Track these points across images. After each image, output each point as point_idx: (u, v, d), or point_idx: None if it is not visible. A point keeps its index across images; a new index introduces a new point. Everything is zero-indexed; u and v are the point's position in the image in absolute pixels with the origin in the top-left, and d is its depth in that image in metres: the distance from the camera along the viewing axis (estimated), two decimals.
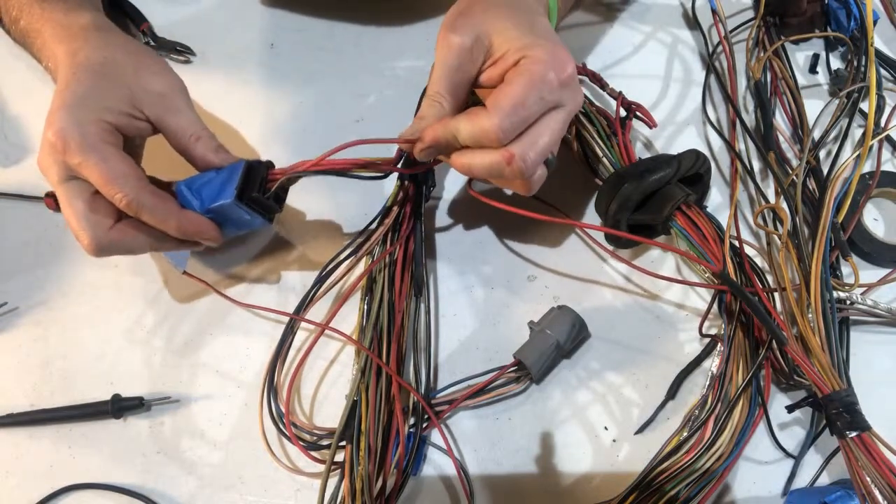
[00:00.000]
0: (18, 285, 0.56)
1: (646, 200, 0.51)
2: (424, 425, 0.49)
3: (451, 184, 0.59)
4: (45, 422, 0.51)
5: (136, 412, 0.51)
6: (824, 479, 0.49)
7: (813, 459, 0.49)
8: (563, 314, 0.51)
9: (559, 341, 0.50)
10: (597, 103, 0.58)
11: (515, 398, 0.51)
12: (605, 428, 0.51)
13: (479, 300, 0.55)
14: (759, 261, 0.54)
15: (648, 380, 0.52)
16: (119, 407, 0.51)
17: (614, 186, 0.51)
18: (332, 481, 0.47)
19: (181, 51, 0.64)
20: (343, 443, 0.47)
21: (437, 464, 0.50)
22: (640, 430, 0.50)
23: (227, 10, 0.67)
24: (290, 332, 0.53)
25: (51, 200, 0.57)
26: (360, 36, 0.66)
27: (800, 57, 0.65)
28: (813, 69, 0.64)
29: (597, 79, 0.59)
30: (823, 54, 0.64)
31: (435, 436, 0.50)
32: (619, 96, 0.57)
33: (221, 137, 0.50)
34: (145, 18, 0.66)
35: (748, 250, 0.52)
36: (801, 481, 0.49)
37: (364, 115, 0.62)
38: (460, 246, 0.57)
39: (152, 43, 0.64)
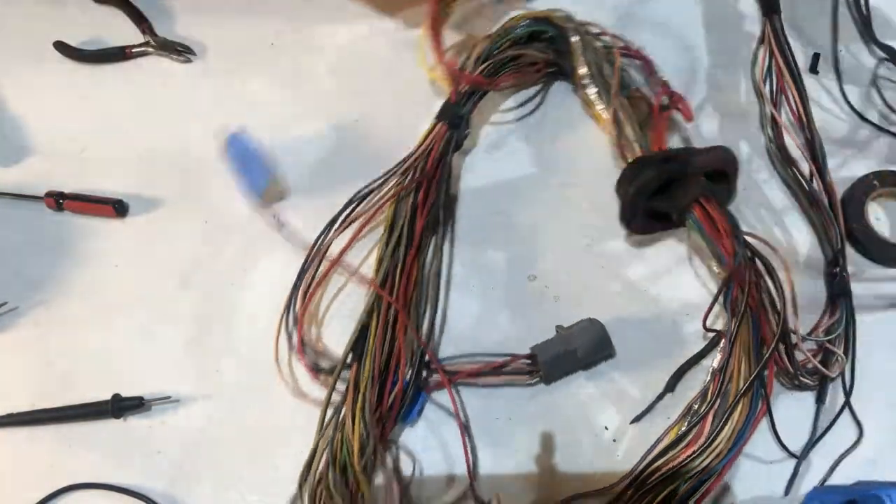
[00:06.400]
0: (18, 285, 0.56)
1: (667, 188, 0.51)
2: (426, 376, 0.51)
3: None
4: (45, 422, 0.51)
5: (136, 412, 0.51)
6: (829, 481, 0.49)
7: (814, 459, 0.49)
8: (589, 327, 0.51)
9: (576, 350, 0.50)
10: (643, 89, 0.58)
11: (517, 398, 0.51)
12: (606, 428, 0.50)
13: (478, 300, 0.55)
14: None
15: (650, 378, 0.51)
16: (119, 407, 0.51)
17: (636, 170, 0.51)
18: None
19: (181, 51, 0.64)
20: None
21: (442, 439, 0.50)
22: (637, 419, 0.50)
23: (227, 9, 0.67)
24: (310, 264, 0.53)
25: (51, 200, 0.57)
26: (361, 35, 0.66)
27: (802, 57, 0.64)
28: (813, 69, 0.63)
29: (648, 64, 0.59)
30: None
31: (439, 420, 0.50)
32: (663, 85, 0.57)
33: (220, 137, 0.49)
34: (146, 18, 0.66)
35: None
36: (802, 481, 0.48)
37: (365, 114, 0.62)
38: (460, 245, 0.57)
39: (152, 43, 0.64)
